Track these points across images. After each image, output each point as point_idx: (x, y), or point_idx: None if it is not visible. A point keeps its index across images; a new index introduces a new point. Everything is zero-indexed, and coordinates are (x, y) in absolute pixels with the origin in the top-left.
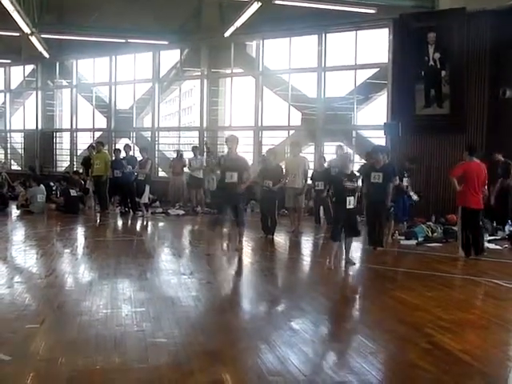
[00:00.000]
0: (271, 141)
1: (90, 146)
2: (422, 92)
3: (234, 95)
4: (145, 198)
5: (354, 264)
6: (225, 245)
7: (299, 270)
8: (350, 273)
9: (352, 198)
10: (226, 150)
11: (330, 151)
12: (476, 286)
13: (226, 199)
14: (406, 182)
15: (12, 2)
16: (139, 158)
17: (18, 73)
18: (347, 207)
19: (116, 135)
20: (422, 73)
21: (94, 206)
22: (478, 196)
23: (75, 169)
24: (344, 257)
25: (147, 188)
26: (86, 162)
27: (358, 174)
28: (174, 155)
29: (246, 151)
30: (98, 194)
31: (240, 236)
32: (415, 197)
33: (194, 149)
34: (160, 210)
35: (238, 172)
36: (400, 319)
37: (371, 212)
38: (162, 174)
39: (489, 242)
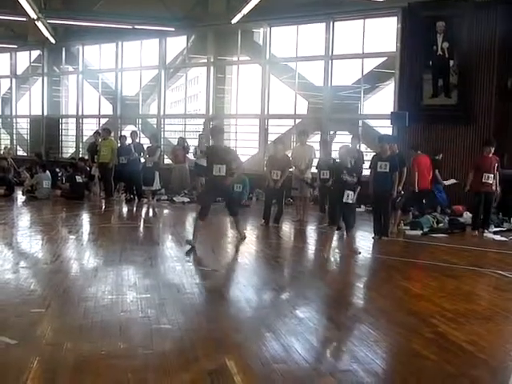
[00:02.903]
0: (277, 129)
1: (96, 133)
2: (429, 82)
3: (240, 83)
4: (156, 185)
5: (360, 253)
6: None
7: (304, 259)
8: (355, 262)
9: (351, 192)
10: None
11: (338, 141)
12: (481, 276)
13: (214, 193)
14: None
15: None
16: (145, 145)
17: (24, 58)
18: (344, 200)
19: (122, 122)
20: (430, 62)
21: (100, 192)
22: (424, 180)
23: (81, 155)
24: (348, 246)
25: (157, 175)
26: (92, 148)
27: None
28: (179, 143)
29: (251, 139)
30: (103, 181)
31: (237, 226)
32: (452, 180)
33: (200, 136)
34: (165, 197)
35: (226, 164)
36: (405, 309)
37: (377, 201)
38: (167, 161)
39: (494, 233)
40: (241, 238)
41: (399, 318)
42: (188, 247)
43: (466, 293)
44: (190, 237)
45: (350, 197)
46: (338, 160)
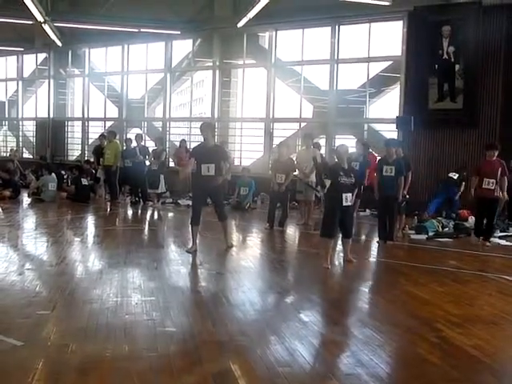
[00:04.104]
0: (282, 133)
1: (102, 136)
2: (435, 86)
3: (245, 86)
4: (162, 188)
5: (354, 262)
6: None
7: (309, 263)
8: (360, 266)
9: (349, 194)
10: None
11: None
12: (487, 281)
13: (203, 194)
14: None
15: None
16: (150, 148)
17: (31, 61)
18: (343, 204)
19: (127, 125)
20: (436, 66)
21: (105, 195)
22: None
23: (86, 158)
24: (343, 255)
25: (162, 178)
26: (97, 151)
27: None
28: (181, 146)
29: (257, 142)
30: (108, 184)
31: (225, 233)
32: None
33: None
34: (170, 200)
35: (216, 164)
36: (410, 313)
37: (382, 205)
38: (172, 164)
39: (500, 238)
40: (228, 247)
41: (404, 322)
42: (190, 252)
43: (471, 297)
44: (190, 244)
45: (348, 199)
46: (355, 163)
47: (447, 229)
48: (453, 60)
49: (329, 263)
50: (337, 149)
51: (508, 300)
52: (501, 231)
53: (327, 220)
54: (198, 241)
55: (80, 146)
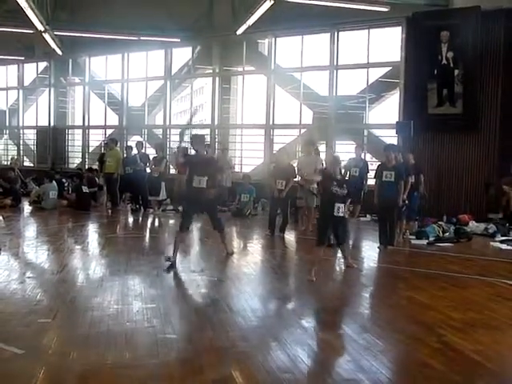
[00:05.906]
0: (282, 139)
1: (106, 143)
2: (434, 91)
3: (245, 93)
4: (162, 195)
5: (356, 267)
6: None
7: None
8: (360, 272)
9: (342, 205)
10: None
11: (343, 150)
12: (487, 286)
13: (195, 206)
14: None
15: None
16: (151, 155)
17: (31, 70)
18: (334, 214)
19: (128, 132)
20: (435, 72)
21: (106, 202)
22: None
23: (87, 166)
24: (344, 262)
25: (163, 185)
26: (102, 158)
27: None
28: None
29: (257, 149)
30: (109, 191)
31: (224, 241)
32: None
33: (206, 146)
34: (171, 207)
35: (208, 176)
36: (411, 318)
37: (382, 211)
38: (172, 171)
39: (501, 242)
40: (227, 254)
41: (405, 328)
42: (167, 264)
43: (472, 302)
44: (171, 253)
45: (340, 210)
46: (354, 170)
47: (448, 233)
48: (452, 65)
49: (313, 275)
50: (326, 160)
51: (509, 304)
52: (502, 235)
53: (319, 228)
54: (178, 253)
55: (80, 153)
